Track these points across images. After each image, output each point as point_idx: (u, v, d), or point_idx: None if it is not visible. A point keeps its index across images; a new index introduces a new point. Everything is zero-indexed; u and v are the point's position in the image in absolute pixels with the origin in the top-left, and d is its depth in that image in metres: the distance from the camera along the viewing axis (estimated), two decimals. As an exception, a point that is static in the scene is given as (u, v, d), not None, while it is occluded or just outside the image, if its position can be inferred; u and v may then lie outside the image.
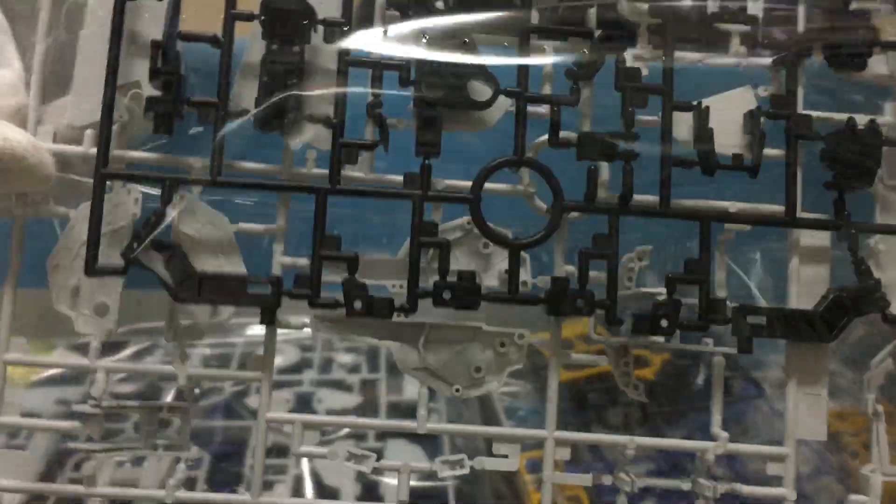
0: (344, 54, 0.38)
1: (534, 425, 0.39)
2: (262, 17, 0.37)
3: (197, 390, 0.55)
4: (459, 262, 0.40)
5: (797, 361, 0.40)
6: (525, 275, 0.39)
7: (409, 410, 0.40)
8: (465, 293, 0.37)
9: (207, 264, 0.38)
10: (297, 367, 0.58)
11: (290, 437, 0.39)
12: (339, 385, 0.58)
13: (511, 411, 0.48)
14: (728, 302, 0.39)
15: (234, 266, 0.39)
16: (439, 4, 0.38)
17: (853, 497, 0.39)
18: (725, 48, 0.41)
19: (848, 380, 0.43)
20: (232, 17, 0.38)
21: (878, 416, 0.40)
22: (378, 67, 0.38)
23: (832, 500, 0.48)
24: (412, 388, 0.46)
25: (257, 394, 0.50)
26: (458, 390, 0.39)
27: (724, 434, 0.39)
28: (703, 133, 0.39)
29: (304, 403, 0.55)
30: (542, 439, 0.39)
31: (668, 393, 0.40)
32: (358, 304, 0.37)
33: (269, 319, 0.37)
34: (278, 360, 0.37)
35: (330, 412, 0.53)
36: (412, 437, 0.42)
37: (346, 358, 0.59)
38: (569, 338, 0.56)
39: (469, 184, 0.38)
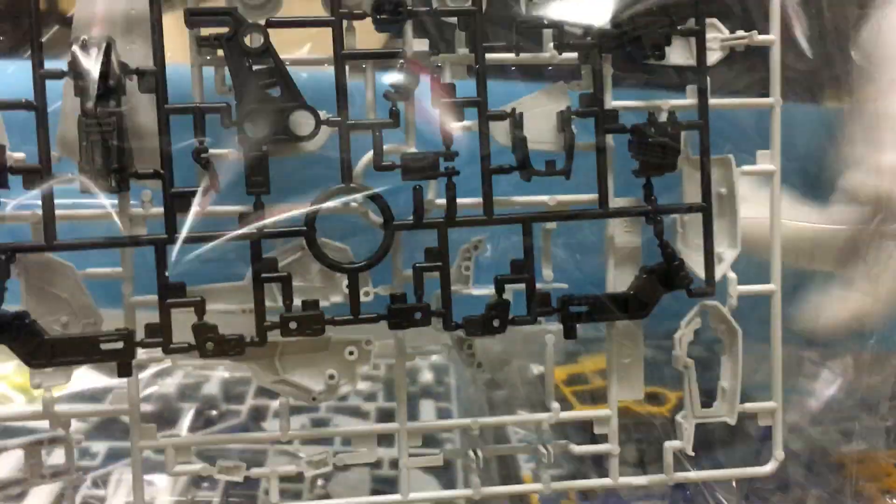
0: (162, 102, 0.36)
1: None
2: (72, 76, 0.35)
3: (214, 412, 0.57)
4: (306, 277, 0.40)
5: (615, 333, 0.42)
6: (368, 285, 0.40)
7: (424, 439, 0.41)
8: (310, 321, 0.38)
9: (61, 314, 0.38)
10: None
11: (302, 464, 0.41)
12: (356, 412, 0.57)
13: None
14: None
15: (87, 313, 0.39)
16: (248, 43, 0.37)
17: (668, 443, 0.43)
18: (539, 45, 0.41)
19: (864, 426, 0.46)
20: (41, 76, 0.36)
21: (688, 369, 0.43)
22: (198, 112, 0.37)
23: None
24: (427, 418, 0.46)
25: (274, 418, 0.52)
26: (314, 398, 0.41)
27: (556, 405, 0.42)
28: (518, 141, 0.39)
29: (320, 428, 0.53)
30: (396, 431, 0.41)
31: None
32: (210, 346, 0.37)
33: (127, 372, 0.37)
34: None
35: (346, 438, 0.51)
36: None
37: (362, 385, 0.58)
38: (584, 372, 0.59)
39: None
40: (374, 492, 0.48)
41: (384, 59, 0.39)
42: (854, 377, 0.52)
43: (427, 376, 0.64)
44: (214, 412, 0.58)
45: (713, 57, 0.42)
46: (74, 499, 0.41)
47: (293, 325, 0.38)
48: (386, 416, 0.57)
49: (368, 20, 0.38)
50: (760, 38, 0.42)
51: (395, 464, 0.44)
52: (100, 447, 0.53)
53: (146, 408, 0.56)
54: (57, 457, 0.43)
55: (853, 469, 0.50)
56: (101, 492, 0.49)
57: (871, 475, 0.51)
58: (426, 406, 0.59)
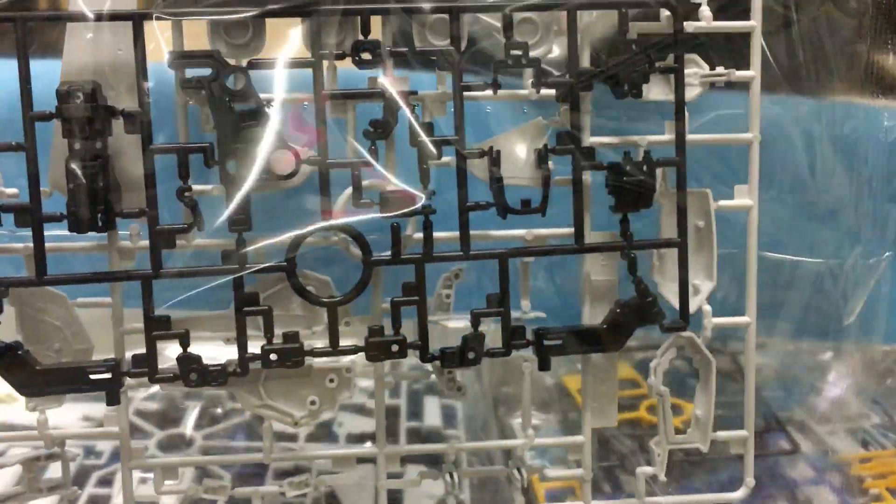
0: (147, 143, 0.37)
1: (554, 456, 0.44)
2: (61, 118, 0.36)
3: (219, 410, 0.59)
4: (288, 307, 0.41)
5: (591, 363, 0.43)
6: (348, 316, 0.41)
7: (429, 436, 0.42)
8: (290, 353, 0.39)
9: (54, 341, 0.40)
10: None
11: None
12: (360, 410, 0.58)
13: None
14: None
15: (80, 339, 0.40)
16: (231, 85, 0.37)
17: (640, 469, 0.44)
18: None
19: (874, 423, 0.46)
20: (31, 118, 0.36)
21: (662, 396, 0.44)
22: (182, 153, 0.38)
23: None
24: (432, 415, 0.46)
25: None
26: (296, 423, 0.42)
27: (532, 432, 0.43)
28: (494, 178, 0.40)
29: (324, 427, 0.56)
30: (374, 455, 0.42)
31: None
32: (193, 377, 0.39)
33: (115, 401, 0.39)
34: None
35: (350, 436, 0.54)
36: (430, 463, 0.44)
37: (366, 383, 0.57)
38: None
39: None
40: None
41: (365, 98, 0.39)
42: (862, 376, 0.53)
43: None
44: (219, 410, 0.59)
45: (692, 93, 0.42)
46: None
47: (274, 357, 0.39)
48: (391, 413, 0.57)
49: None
50: (740, 73, 0.42)
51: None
52: (105, 446, 0.54)
53: (151, 406, 0.58)
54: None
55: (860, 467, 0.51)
56: (107, 490, 0.51)
57: (878, 473, 0.51)
58: (431, 403, 0.60)
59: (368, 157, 0.38)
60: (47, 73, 0.37)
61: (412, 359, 0.41)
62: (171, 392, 0.61)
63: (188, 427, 0.57)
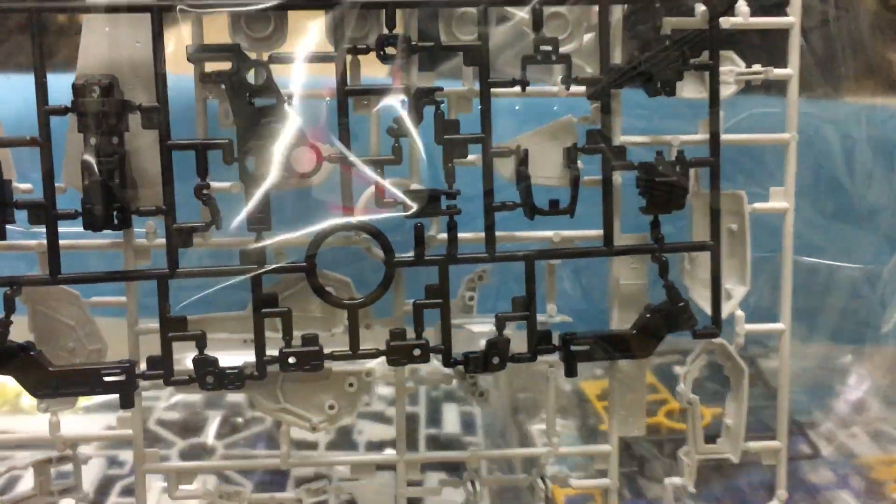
0: (165, 139, 0.36)
1: (573, 461, 0.44)
2: (77, 113, 0.35)
3: (240, 419, 0.58)
4: (307, 308, 0.40)
5: (618, 369, 0.42)
6: (368, 318, 0.40)
7: (447, 442, 0.41)
8: (309, 357, 0.38)
9: (67, 340, 0.39)
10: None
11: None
12: (380, 417, 0.57)
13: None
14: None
15: (93, 339, 0.39)
16: (252, 79, 0.36)
17: (668, 480, 0.43)
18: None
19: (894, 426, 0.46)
20: (46, 112, 0.35)
21: (692, 404, 0.42)
22: (200, 149, 0.36)
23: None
24: (451, 422, 0.46)
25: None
26: (314, 428, 0.41)
27: (556, 440, 0.42)
28: (522, 179, 0.38)
29: (344, 435, 0.55)
30: (395, 462, 0.41)
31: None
32: (210, 380, 0.37)
33: (129, 404, 0.37)
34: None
35: (369, 444, 0.54)
36: (450, 470, 0.44)
37: (386, 390, 0.58)
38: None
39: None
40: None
41: (388, 94, 0.38)
42: (883, 379, 0.51)
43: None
44: (240, 419, 0.58)
45: (728, 91, 0.40)
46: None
47: (292, 360, 0.38)
48: (410, 420, 0.56)
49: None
50: (778, 71, 0.40)
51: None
52: (128, 456, 0.53)
53: (173, 416, 0.57)
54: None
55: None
56: (131, 500, 0.49)
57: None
58: (449, 410, 0.59)
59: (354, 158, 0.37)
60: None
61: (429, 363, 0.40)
62: (192, 401, 0.60)
63: (209, 436, 0.56)
